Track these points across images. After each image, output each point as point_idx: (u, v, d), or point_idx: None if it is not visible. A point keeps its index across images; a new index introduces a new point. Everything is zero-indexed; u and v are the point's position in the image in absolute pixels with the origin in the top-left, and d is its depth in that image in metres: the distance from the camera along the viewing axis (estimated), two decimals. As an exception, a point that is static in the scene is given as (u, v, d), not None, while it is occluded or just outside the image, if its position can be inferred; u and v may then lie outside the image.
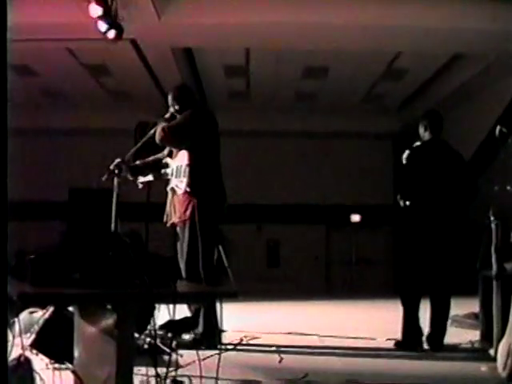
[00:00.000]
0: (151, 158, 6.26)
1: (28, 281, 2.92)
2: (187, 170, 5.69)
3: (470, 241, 6.31)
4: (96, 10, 7.59)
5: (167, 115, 6.01)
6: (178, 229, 5.93)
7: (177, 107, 5.99)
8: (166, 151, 6.20)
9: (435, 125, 6.14)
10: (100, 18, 7.69)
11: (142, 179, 6.13)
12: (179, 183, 5.79)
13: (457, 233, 6.11)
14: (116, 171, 5.92)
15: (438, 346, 5.87)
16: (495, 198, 5.53)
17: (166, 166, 6.09)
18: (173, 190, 5.93)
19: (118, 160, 5.97)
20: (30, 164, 13.79)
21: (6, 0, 2.05)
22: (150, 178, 6.12)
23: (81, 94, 13.55)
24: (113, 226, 5.53)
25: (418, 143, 6.16)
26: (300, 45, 10.13)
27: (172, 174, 5.94)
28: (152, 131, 5.92)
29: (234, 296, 3.23)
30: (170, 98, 6.13)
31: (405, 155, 6.06)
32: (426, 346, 5.89)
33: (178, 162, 5.88)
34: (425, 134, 6.15)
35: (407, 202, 6.02)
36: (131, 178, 6.08)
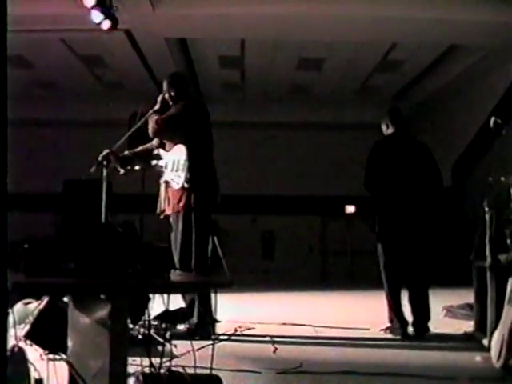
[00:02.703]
0: (140, 149, 6.24)
1: (21, 271, 2.91)
2: (186, 165, 5.67)
3: (465, 232, 6.35)
4: (90, 1, 7.57)
5: (157, 107, 5.99)
6: (171, 220, 5.93)
7: (172, 93, 5.98)
8: (155, 142, 6.18)
9: (396, 119, 6.37)
10: (94, 8, 7.67)
11: (129, 168, 6.13)
12: (176, 177, 5.76)
13: (427, 221, 6.27)
14: (104, 162, 5.91)
15: (422, 331, 6.05)
16: (489, 189, 5.54)
17: (158, 157, 6.07)
18: (167, 182, 5.91)
19: (106, 151, 5.96)
20: (25, 155, 13.78)
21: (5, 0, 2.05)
22: (136, 167, 6.12)
23: (75, 84, 13.52)
24: (103, 215, 5.54)
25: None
26: (295, 36, 10.13)
27: (166, 167, 5.91)
28: (141, 121, 5.90)
29: (229, 286, 3.24)
30: (164, 84, 6.11)
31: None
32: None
33: (175, 156, 5.83)
34: (388, 131, 6.38)
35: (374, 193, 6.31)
36: (120, 169, 6.07)
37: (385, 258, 6.27)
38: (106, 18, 7.81)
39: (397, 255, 6.24)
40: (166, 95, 6.01)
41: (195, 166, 5.71)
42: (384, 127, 6.46)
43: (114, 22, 7.89)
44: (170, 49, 10.94)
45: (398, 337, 6.02)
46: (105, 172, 5.89)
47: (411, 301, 6.15)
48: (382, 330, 6.26)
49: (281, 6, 8.76)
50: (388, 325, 6.26)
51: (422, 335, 6.03)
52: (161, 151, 6.07)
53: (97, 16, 7.76)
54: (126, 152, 6.15)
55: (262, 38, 10.58)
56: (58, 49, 10.99)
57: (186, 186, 5.67)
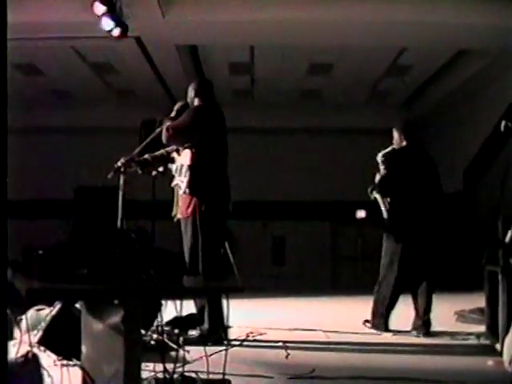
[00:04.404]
0: (160, 152, 6.27)
1: (36, 277, 2.94)
2: (188, 170, 5.75)
3: (476, 236, 6.37)
4: (101, 8, 7.61)
5: (173, 114, 6.03)
6: (182, 224, 5.97)
7: (195, 99, 6.03)
8: (174, 145, 6.21)
9: (410, 134, 6.80)
10: (105, 15, 7.70)
11: (154, 172, 6.20)
12: (180, 182, 5.84)
13: (432, 227, 6.64)
14: (122, 169, 5.95)
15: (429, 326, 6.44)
16: (502, 193, 5.53)
17: (173, 160, 6.13)
18: (176, 186, 5.97)
19: (123, 158, 6.00)
20: (37, 163, 13.83)
21: (5, 0, 2.06)
22: (160, 168, 6.19)
23: (86, 92, 13.56)
24: (119, 222, 5.57)
25: (390, 148, 6.84)
26: (304, 41, 10.12)
27: (176, 171, 5.97)
28: (159, 129, 5.94)
29: (240, 290, 3.26)
30: (190, 89, 6.13)
31: (380, 156, 6.81)
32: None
33: (182, 161, 5.91)
34: (402, 142, 6.78)
35: (387, 200, 6.77)
36: (140, 172, 6.13)
37: (399, 255, 6.59)
38: (117, 25, 7.83)
39: (410, 254, 6.56)
40: (189, 100, 6.08)
41: (198, 172, 5.76)
42: (398, 139, 6.83)
43: (125, 30, 7.91)
44: (180, 56, 10.96)
45: (381, 332, 6.45)
46: (122, 179, 5.93)
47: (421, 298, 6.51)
48: (366, 321, 6.70)
49: (290, 11, 8.76)
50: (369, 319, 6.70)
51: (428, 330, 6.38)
52: (175, 155, 6.12)
53: (107, 23, 7.79)
54: (146, 155, 6.20)
55: (272, 44, 10.60)
56: (68, 56, 11.03)
57: (187, 191, 5.73)
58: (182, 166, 5.86)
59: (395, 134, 6.86)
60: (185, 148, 5.91)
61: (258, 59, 11.79)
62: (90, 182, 10.54)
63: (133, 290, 2.92)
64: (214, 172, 5.91)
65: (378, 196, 6.81)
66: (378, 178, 6.86)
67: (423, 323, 6.39)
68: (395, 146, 6.84)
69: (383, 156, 6.80)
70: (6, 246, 2.00)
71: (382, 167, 6.82)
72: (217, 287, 4.09)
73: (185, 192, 5.76)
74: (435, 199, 6.66)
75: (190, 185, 5.72)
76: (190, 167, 5.75)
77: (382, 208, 6.88)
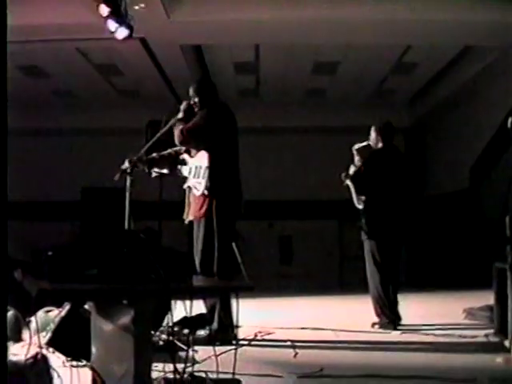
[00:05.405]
0: (168, 151, 6.24)
1: (46, 278, 2.94)
2: (207, 172, 5.71)
3: (484, 233, 6.37)
4: (105, 10, 7.61)
5: (180, 115, 5.98)
6: (194, 225, 5.94)
7: (196, 100, 5.99)
8: (188, 147, 6.18)
9: (387, 137, 7.04)
10: (109, 17, 7.71)
11: (156, 170, 6.16)
12: (197, 184, 5.79)
13: (406, 224, 7.03)
14: (128, 170, 5.93)
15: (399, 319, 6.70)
16: (510, 190, 5.52)
17: (183, 162, 6.09)
18: (189, 188, 5.94)
19: (128, 159, 5.97)
20: (43, 164, 13.87)
21: (5, 0, 2.06)
22: (164, 170, 6.16)
23: (91, 93, 13.61)
24: (126, 222, 5.56)
25: (366, 143, 7.12)
26: (309, 40, 10.14)
27: (190, 173, 5.94)
28: (165, 128, 5.91)
29: (250, 289, 3.25)
30: (190, 90, 6.10)
31: (355, 148, 7.14)
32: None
33: (197, 162, 5.86)
34: (378, 143, 7.02)
35: (363, 197, 7.12)
36: (147, 171, 6.11)
37: (378, 255, 6.97)
38: (121, 26, 7.84)
39: (388, 253, 6.91)
40: (192, 102, 6.02)
41: (216, 174, 5.72)
42: (374, 139, 7.05)
43: (129, 31, 7.93)
44: (185, 56, 10.97)
45: (389, 331, 6.46)
46: (128, 180, 5.91)
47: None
48: (374, 324, 6.69)
49: (294, 10, 8.77)
50: (376, 320, 6.71)
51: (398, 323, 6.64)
52: (186, 156, 6.09)
53: (112, 25, 7.80)
54: (154, 154, 6.18)
55: (277, 43, 10.60)
56: (73, 58, 11.06)
57: (205, 193, 5.70)
58: (198, 167, 5.81)
59: (372, 133, 7.07)
60: (199, 150, 5.88)
61: (263, 58, 11.80)
62: (96, 183, 10.56)
63: (143, 290, 2.92)
64: (230, 173, 5.89)
65: (350, 184, 7.09)
66: (352, 169, 7.09)
67: (394, 315, 6.67)
68: (371, 143, 7.06)
69: (357, 150, 7.11)
70: (5, 247, 2.00)
71: (356, 158, 7.09)
72: (227, 286, 4.09)
73: (203, 194, 5.72)
74: (406, 200, 6.98)
75: (208, 186, 5.69)
76: (210, 169, 5.71)
77: (354, 197, 7.22)
